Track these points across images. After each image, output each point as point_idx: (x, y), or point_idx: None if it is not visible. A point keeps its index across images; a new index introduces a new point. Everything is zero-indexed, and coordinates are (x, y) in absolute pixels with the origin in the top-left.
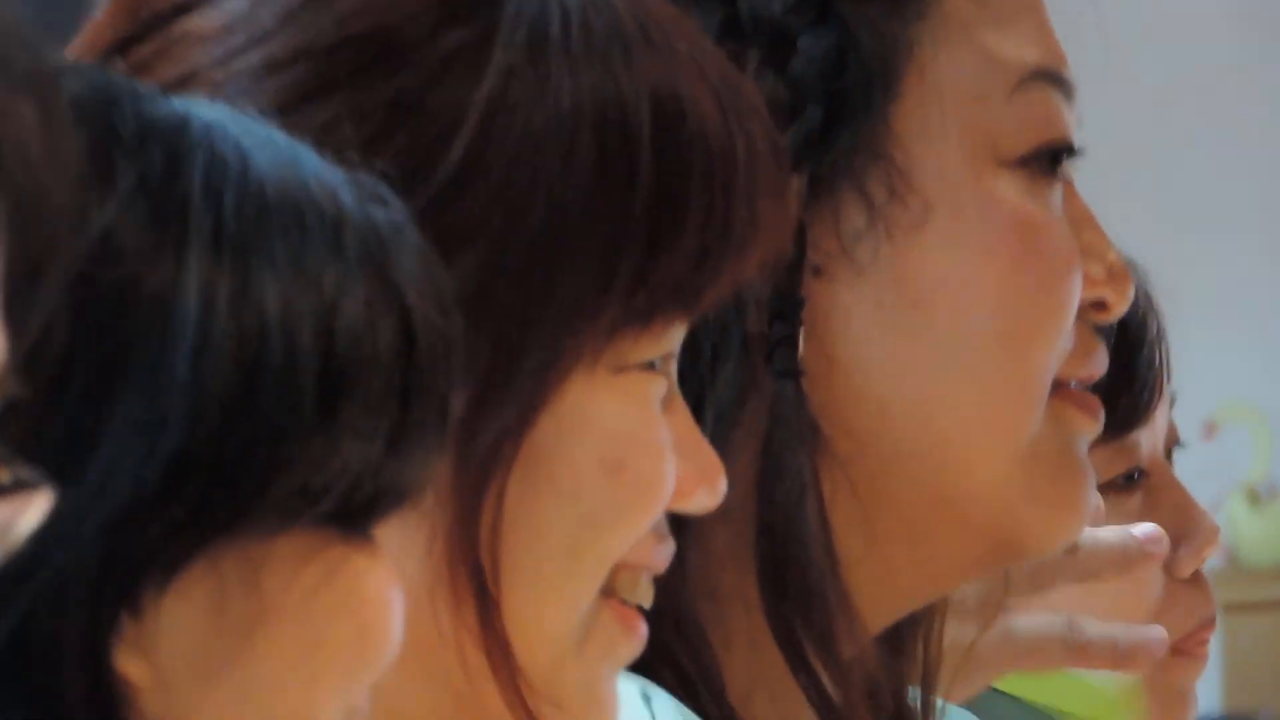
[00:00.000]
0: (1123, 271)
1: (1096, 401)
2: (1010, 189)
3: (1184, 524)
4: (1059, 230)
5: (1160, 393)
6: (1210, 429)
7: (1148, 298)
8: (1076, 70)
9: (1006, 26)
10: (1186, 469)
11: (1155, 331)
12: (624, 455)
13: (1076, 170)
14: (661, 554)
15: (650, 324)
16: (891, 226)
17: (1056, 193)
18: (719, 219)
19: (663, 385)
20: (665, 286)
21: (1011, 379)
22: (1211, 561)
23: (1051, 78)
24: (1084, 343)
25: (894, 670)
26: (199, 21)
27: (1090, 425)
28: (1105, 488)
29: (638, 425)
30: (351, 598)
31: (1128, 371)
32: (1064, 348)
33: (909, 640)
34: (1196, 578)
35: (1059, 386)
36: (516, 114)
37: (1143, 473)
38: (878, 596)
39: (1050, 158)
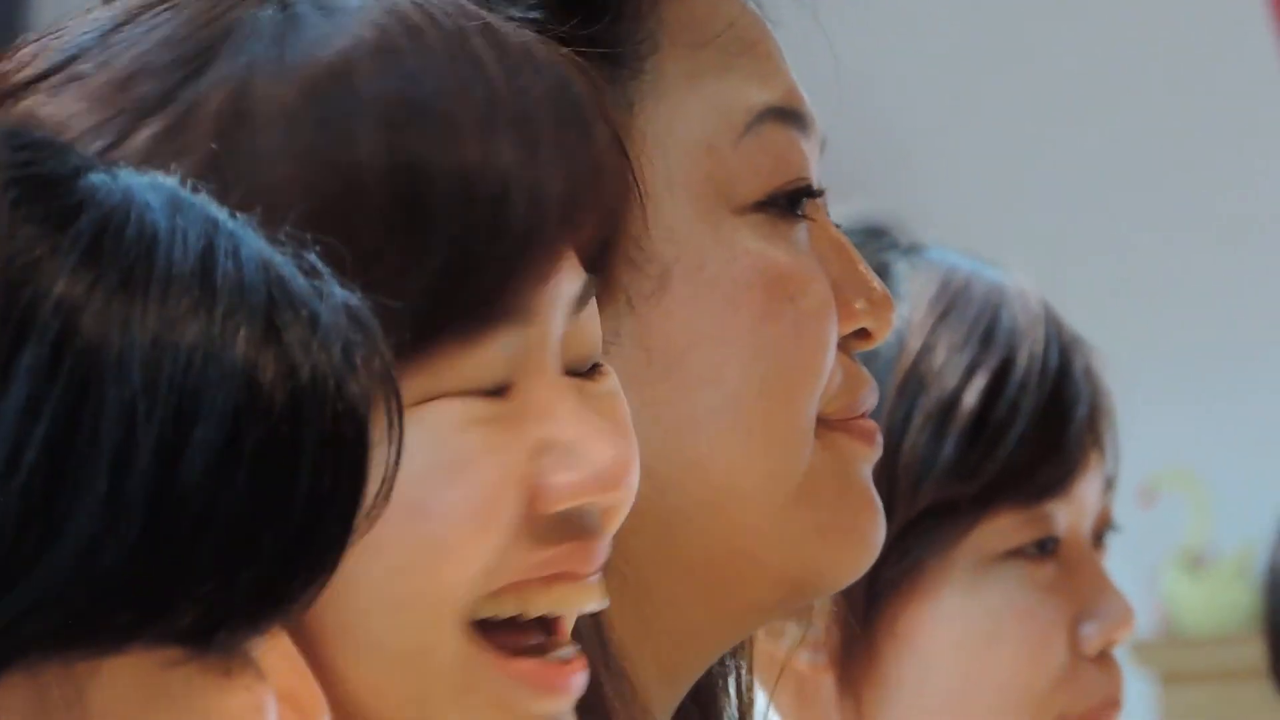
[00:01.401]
0: (884, 299)
1: (871, 427)
2: (750, 236)
3: (1097, 602)
4: (806, 270)
5: (1083, 468)
6: (1148, 496)
7: (1091, 374)
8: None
9: (729, 70)
10: (1124, 537)
11: (1092, 410)
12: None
13: (1017, 240)
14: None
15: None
16: (632, 297)
17: (801, 231)
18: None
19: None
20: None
21: (776, 426)
22: (1149, 630)
23: (783, 114)
24: (850, 377)
25: (708, 704)
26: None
27: (866, 451)
28: (1015, 555)
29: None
30: None
31: (1053, 442)
32: (825, 385)
33: (715, 683)
34: (1105, 658)
35: (829, 420)
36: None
37: (1057, 543)
38: (685, 654)
39: (789, 198)
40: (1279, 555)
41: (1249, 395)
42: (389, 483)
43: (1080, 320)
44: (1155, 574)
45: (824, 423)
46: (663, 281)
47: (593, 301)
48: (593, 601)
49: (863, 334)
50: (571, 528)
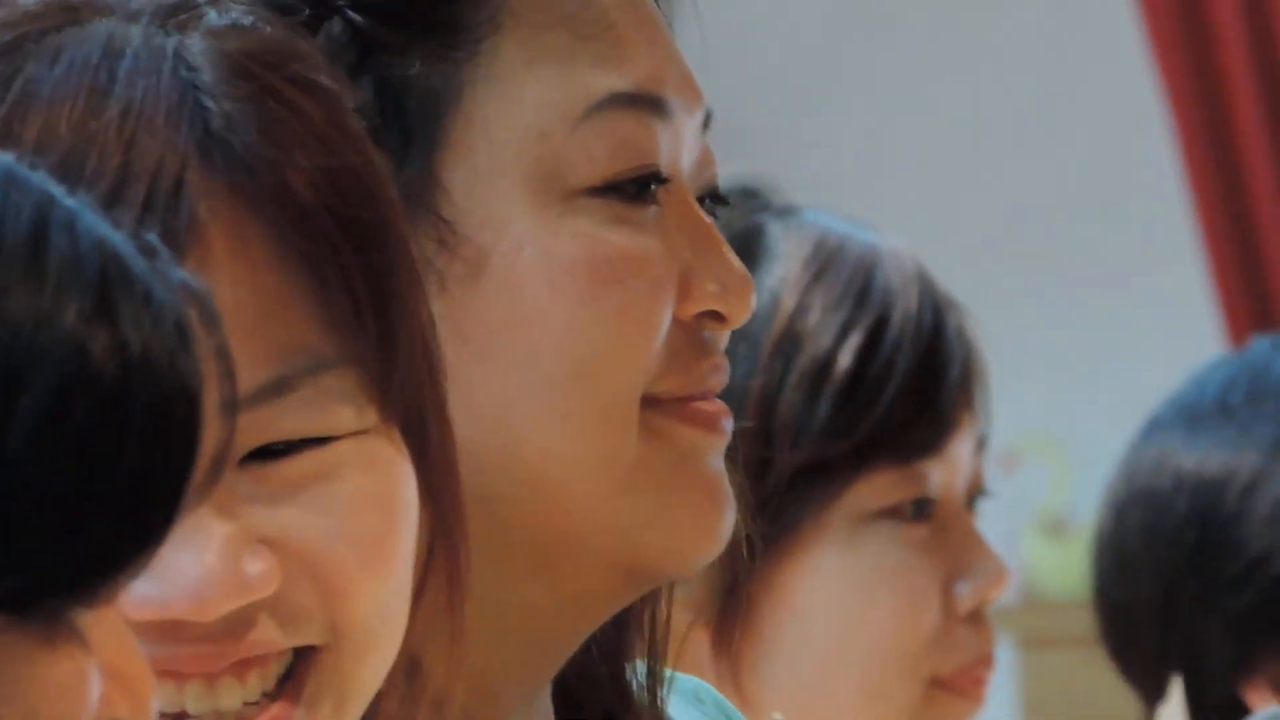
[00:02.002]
0: (740, 283)
1: (712, 412)
2: (583, 220)
3: (970, 561)
4: (642, 254)
5: (955, 427)
6: (1009, 461)
7: (964, 335)
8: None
9: (575, 54)
10: (984, 501)
11: (965, 370)
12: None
13: (890, 203)
14: None
15: None
16: (446, 280)
17: (648, 215)
18: None
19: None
20: None
21: (593, 410)
22: (1009, 595)
23: (633, 100)
24: (686, 355)
25: (613, 654)
26: None
27: (706, 439)
28: (890, 514)
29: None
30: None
31: (927, 401)
32: (650, 369)
33: (635, 617)
34: (978, 616)
35: (667, 403)
36: None
37: (931, 504)
38: (532, 640)
39: (635, 184)
40: (1104, 525)
41: (1110, 361)
42: (222, 461)
43: (949, 283)
44: (1015, 539)
45: (656, 406)
46: (479, 265)
47: None
48: None
49: (717, 316)
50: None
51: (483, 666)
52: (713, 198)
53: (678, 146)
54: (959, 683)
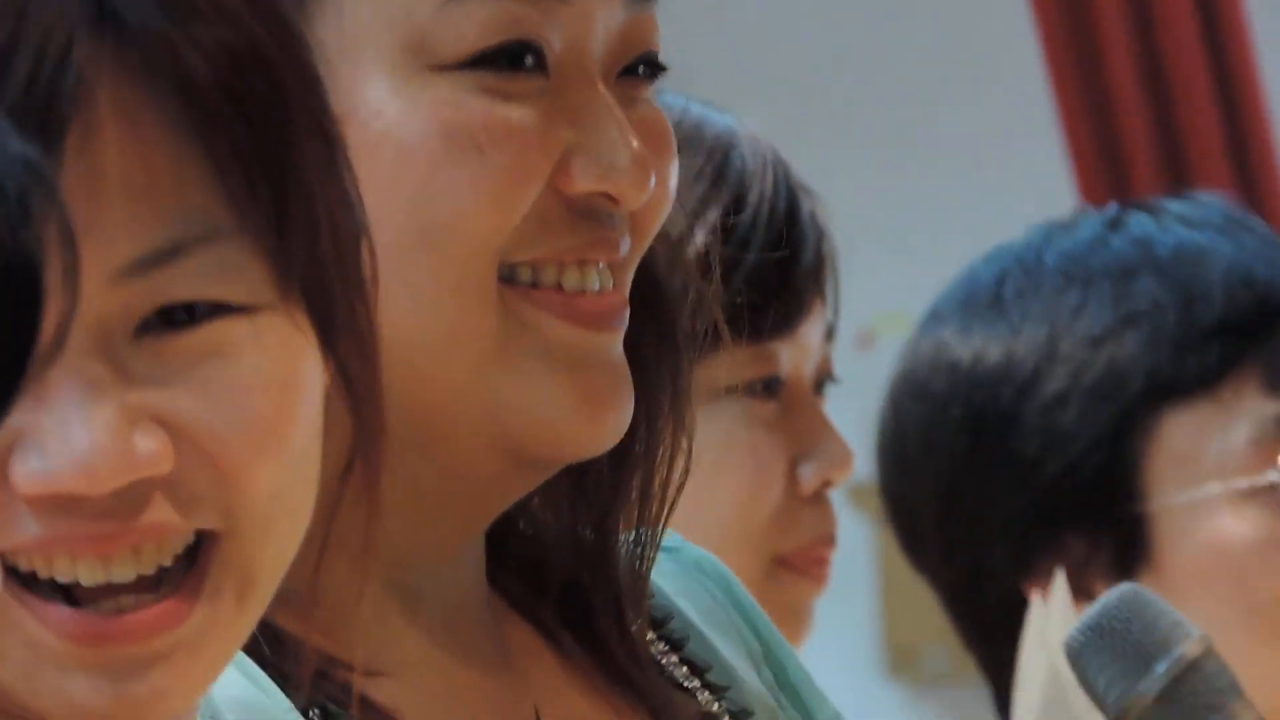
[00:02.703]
0: (633, 165)
1: (592, 310)
2: (446, 90)
3: (815, 443)
4: (504, 124)
5: (807, 310)
6: (865, 340)
7: (816, 219)
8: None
9: None
10: (842, 380)
11: (817, 255)
12: None
13: (746, 87)
14: None
15: None
16: None
17: (527, 88)
18: None
19: None
20: None
21: (442, 280)
22: (867, 474)
23: None
24: (573, 230)
25: (570, 520)
26: None
27: (574, 332)
28: (740, 391)
29: None
30: None
31: (780, 281)
32: (504, 243)
33: (603, 482)
34: (820, 498)
35: (538, 292)
36: None
37: (780, 384)
38: (433, 515)
39: (508, 56)
40: (885, 419)
41: (965, 240)
42: (63, 331)
43: (800, 163)
44: (871, 418)
45: (522, 291)
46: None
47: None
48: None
49: (608, 197)
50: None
51: (392, 539)
52: (649, 65)
53: (584, 22)
54: (800, 561)
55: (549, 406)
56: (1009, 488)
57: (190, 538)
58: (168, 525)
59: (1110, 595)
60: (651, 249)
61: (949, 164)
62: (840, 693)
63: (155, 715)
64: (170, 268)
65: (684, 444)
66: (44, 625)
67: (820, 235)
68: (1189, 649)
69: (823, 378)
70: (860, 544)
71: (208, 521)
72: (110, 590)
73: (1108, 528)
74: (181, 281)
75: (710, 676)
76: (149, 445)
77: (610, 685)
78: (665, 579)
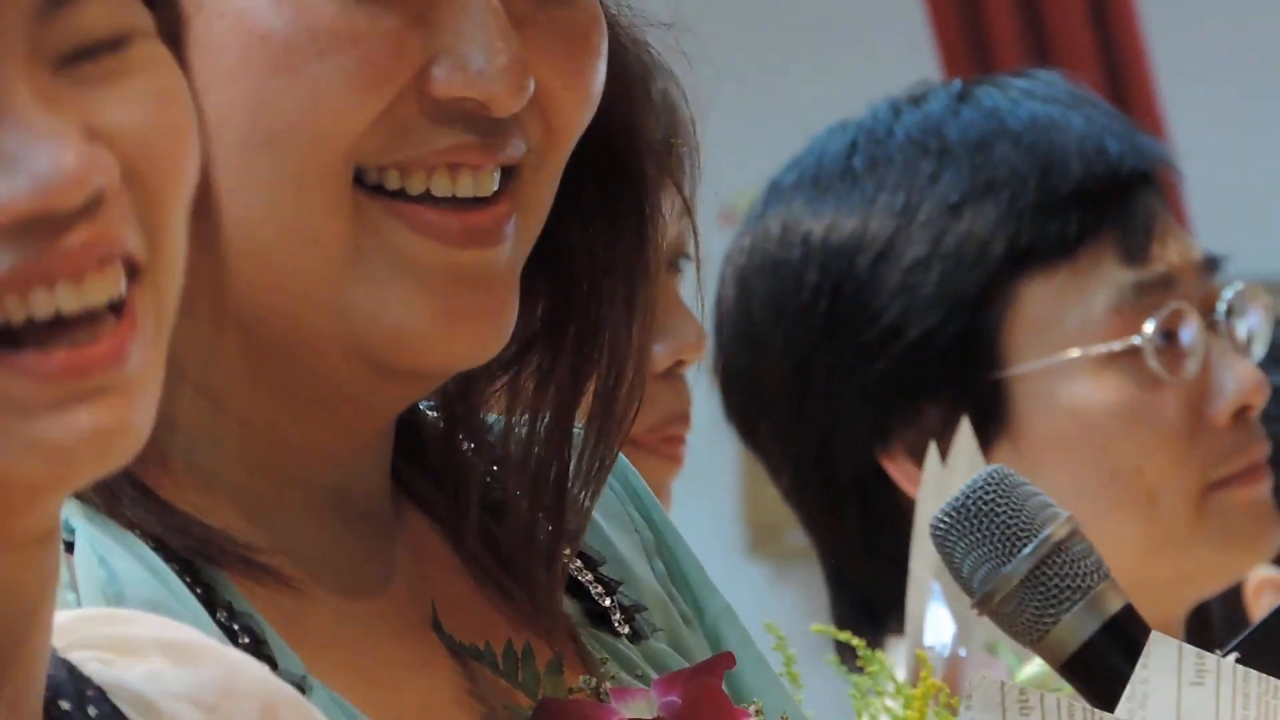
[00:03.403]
0: (501, 68)
1: (442, 220)
2: None
3: (667, 322)
4: (351, 27)
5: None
6: (727, 216)
7: (669, 98)
8: None
9: None
10: (707, 258)
11: (667, 134)
12: None
13: None
14: None
15: None
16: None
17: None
18: None
19: None
20: None
21: (285, 181)
22: None
23: None
24: (453, 136)
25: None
26: None
27: (427, 245)
28: None
29: None
30: None
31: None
32: (350, 148)
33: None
34: (674, 376)
35: (395, 201)
36: None
37: None
38: (320, 423)
39: None
40: (726, 296)
41: (828, 116)
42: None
43: (659, 45)
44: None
45: (378, 198)
46: (183, 25)
47: None
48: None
49: (478, 102)
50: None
51: (279, 432)
52: None
53: None
54: (653, 440)
55: (403, 318)
56: (867, 355)
57: (122, 275)
58: (119, 237)
59: (976, 477)
60: (633, 150)
61: (812, 39)
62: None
63: (116, 451)
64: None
65: (634, 362)
66: (16, 373)
67: (672, 114)
68: (1055, 530)
69: (676, 256)
70: (720, 423)
71: (137, 248)
72: (64, 335)
73: (966, 395)
74: (92, 15)
75: (604, 570)
76: (104, 152)
77: (505, 589)
78: None
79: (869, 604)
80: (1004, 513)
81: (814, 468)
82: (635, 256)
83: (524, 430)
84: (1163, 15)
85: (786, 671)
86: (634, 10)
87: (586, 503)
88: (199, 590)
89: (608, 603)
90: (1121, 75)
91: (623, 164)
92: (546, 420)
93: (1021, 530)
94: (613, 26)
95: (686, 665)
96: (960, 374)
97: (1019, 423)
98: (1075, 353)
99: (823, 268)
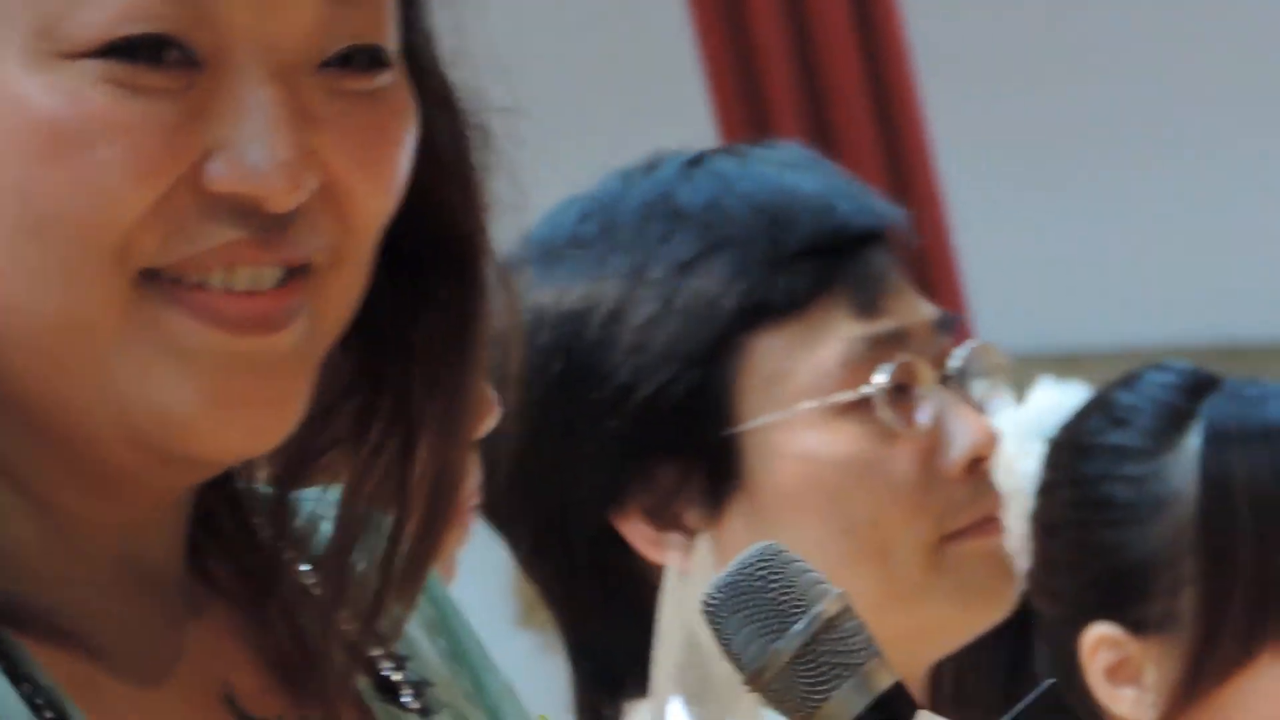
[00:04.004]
0: (281, 165)
1: (221, 304)
2: (71, 79)
3: None
4: (121, 120)
5: None
6: None
7: (469, 125)
8: None
9: None
10: None
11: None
12: None
13: None
14: None
15: None
16: None
17: (167, 82)
18: None
19: None
20: None
21: (53, 269)
22: None
23: None
24: (228, 234)
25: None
26: None
27: (202, 331)
28: None
29: None
30: None
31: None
32: (119, 240)
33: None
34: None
35: (166, 284)
36: None
37: None
38: (108, 498)
39: (145, 49)
40: None
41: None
42: None
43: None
44: None
45: (154, 283)
46: None
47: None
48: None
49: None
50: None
51: (68, 505)
52: (366, 56)
53: (251, 14)
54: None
55: (171, 404)
56: (599, 415)
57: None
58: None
59: (748, 552)
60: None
61: (591, 105)
62: None
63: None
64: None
65: (457, 439)
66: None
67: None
68: (827, 607)
69: None
70: None
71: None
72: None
73: (699, 453)
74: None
75: (394, 646)
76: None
77: (299, 665)
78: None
79: (608, 671)
80: (776, 588)
81: (550, 535)
82: (459, 344)
83: (341, 519)
84: (943, 86)
85: None
86: (473, 94)
87: (399, 613)
88: (2, 663)
89: (397, 677)
90: (898, 137)
91: (450, 251)
92: (357, 512)
93: (793, 606)
94: (449, 114)
95: None
96: (693, 431)
97: (753, 478)
98: (807, 405)
99: (555, 330)
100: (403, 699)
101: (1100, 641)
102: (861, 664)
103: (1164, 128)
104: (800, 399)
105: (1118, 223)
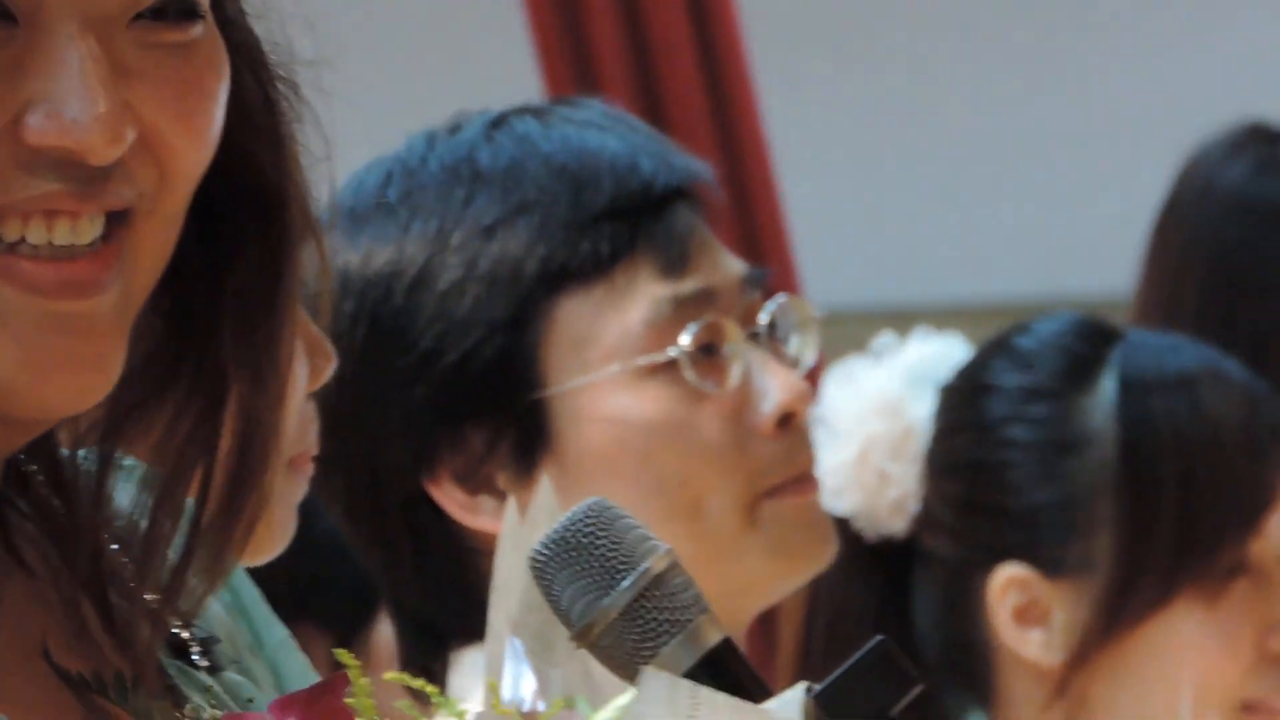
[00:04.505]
0: (98, 117)
1: (34, 271)
2: None
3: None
4: None
5: None
6: None
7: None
8: None
9: None
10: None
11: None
12: None
13: None
14: None
15: None
16: None
17: None
18: None
19: None
20: None
21: None
22: None
23: None
24: (46, 184)
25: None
26: None
27: (8, 291)
28: None
29: None
30: None
31: None
32: None
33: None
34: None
35: None
36: None
37: None
38: None
39: None
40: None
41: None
42: None
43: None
44: None
45: None
46: None
47: None
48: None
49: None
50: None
51: None
52: (178, 8)
53: None
54: (300, 461)
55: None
56: (406, 381)
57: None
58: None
59: (576, 509)
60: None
61: (419, 61)
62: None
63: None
64: None
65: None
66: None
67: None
68: (655, 563)
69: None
70: None
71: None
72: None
73: (508, 417)
74: None
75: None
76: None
77: (104, 623)
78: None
79: (430, 629)
80: (603, 545)
81: (363, 497)
82: (269, 298)
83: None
84: (769, 43)
85: (359, 701)
86: (280, 49)
87: (201, 590)
88: None
89: (186, 635)
90: (723, 85)
91: (260, 204)
92: (165, 481)
93: (621, 563)
94: (255, 68)
95: (260, 695)
96: (501, 396)
97: (563, 441)
98: (614, 368)
99: (360, 296)
100: (193, 655)
101: (1010, 583)
102: (690, 620)
103: (987, 91)
104: (608, 361)
105: (942, 180)
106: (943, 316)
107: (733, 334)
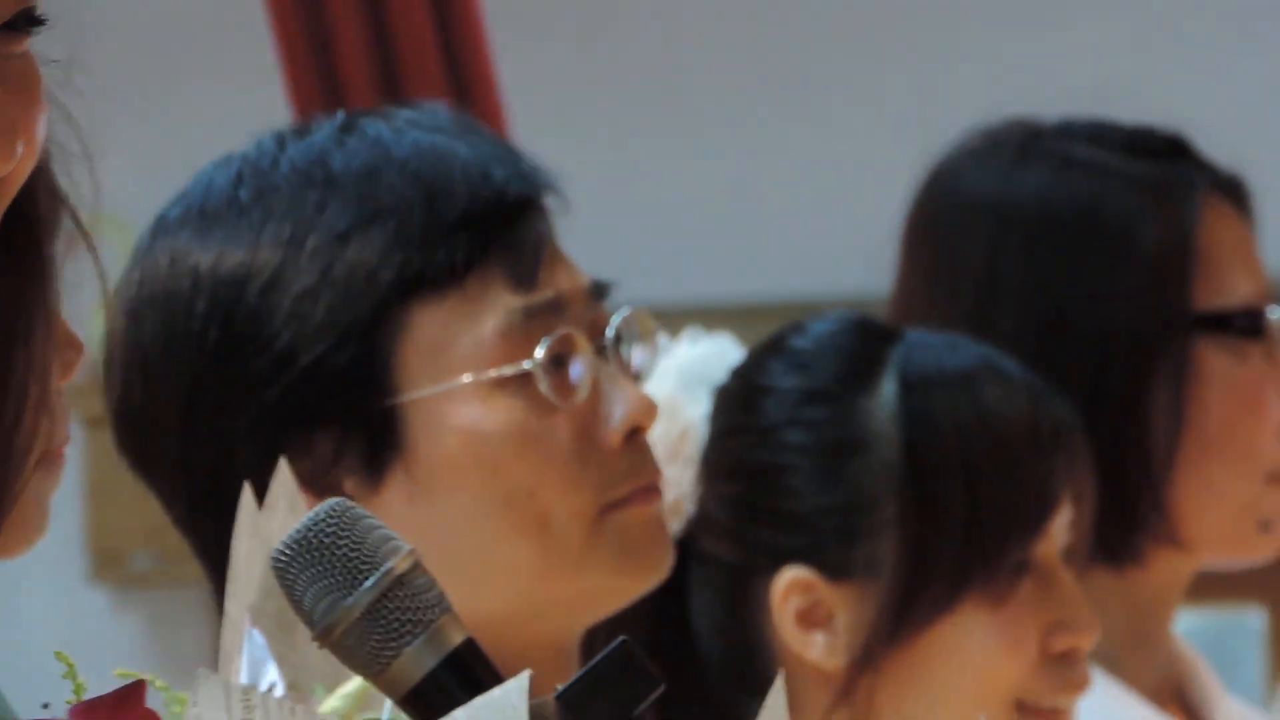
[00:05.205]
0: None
1: None
2: None
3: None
4: None
5: None
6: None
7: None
8: None
9: None
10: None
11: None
12: None
13: None
14: None
15: None
16: None
17: None
18: None
19: None
20: None
21: None
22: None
23: None
24: None
25: None
26: None
27: None
28: None
29: None
30: None
31: None
32: None
33: None
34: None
35: None
36: None
37: None
38: None
39: None
40: (118, 329)
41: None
42: None
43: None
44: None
45: None
46: None
47: None
48: None
49: None
50: None
51: None
52: (26, 20)
53: None
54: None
55: None
56: (258, 384)
57: None
58: None
59: (319, 509)
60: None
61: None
62: (45, 597)
63: None
64: None
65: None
66: None
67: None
68: (397, 564)
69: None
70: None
71: None
72: None
73: (359, 424)
74: None
75: None
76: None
77: None
78: None
79: None
80: (345, 545)
81: (206, 498)
82: (15, 305)
83: None
84: (515, 45)
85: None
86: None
87: None
88: None
89: None
90: (475, 107)
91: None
92: None
93: (363, 563)
94: None
95: None
96: (353, 401)
97: (413, 449)
98: (467, 378)
99: (212, 296)
100: None
101: (792, 586)
102: (433, 620)
103: (747, 88)
104: (462, 371)
105: (698, 179)
106: (709, 315)
107: (583, 346)
